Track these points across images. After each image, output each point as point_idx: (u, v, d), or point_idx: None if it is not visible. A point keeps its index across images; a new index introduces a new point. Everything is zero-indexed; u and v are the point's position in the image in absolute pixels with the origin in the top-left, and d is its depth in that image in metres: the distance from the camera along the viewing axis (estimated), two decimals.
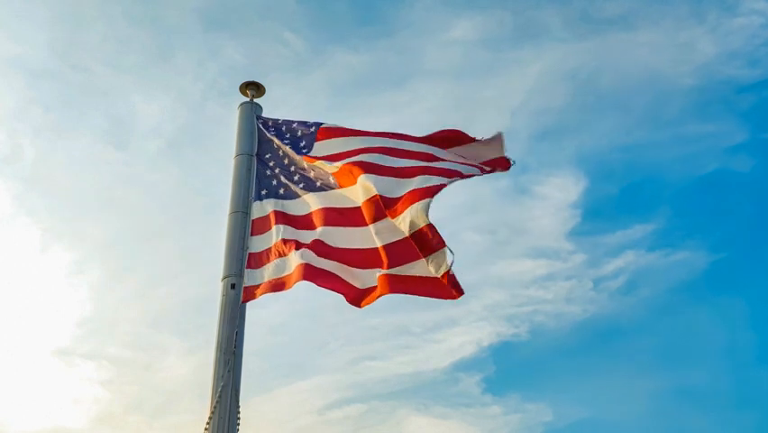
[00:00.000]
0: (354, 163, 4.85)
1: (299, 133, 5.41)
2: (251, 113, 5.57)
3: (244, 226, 5.08)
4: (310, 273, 4.60)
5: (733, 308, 19.88)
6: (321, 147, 5.24)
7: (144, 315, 18.52)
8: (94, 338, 18.48)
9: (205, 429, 4.40)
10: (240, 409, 4.53)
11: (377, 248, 4.65)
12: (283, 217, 5.08)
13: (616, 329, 20.39)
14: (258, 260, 4.91)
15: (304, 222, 5.05)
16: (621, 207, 21.63)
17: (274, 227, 5.04)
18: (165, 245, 18.87)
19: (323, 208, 5.00)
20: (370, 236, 4.71)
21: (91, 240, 19.03)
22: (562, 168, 20.54)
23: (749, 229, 20.63)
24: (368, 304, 4.55)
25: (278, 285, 4.73)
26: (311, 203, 5.10)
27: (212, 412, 4.43)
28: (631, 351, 19.55)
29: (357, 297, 4.57)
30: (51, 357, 18.50)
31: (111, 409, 17.60)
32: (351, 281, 4.63)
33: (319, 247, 4.76)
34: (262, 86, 5.65)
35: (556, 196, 20.16)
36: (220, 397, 4.48)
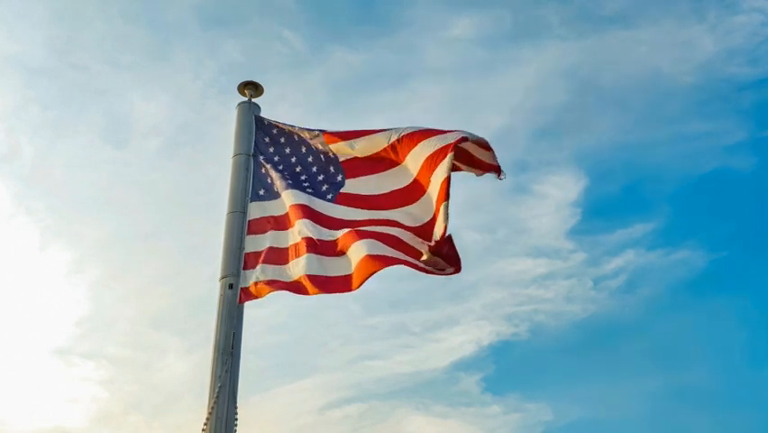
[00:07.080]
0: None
1: (296, 138, 5.49)
2: (250, 113, 5.57)
3: (242, 226, 5.07)
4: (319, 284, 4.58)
5: (733, 307, 19.88)
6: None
7: (143, 314, 18.55)
8: (93, 338, 18.50)
9: (203, 430, 4.40)
10: (237, 410, 4.53)
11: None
12: (280, 220, 5.08)
13: (616, 329, 20.40)
14: (254, 260, 4.90)
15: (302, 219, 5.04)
16: (621, 205, 21.65)
17: (271, 231, 5.03)
18: (164, 244, 18.88)
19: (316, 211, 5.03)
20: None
21: (90, 239, 19.03)
22: (561, 166, 20.55)
23: (749, 228, 20.65)
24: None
25: (292, 287, 4.71)
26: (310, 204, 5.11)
27: (209, 413, 4.43)
28: (631, 350, 19.56)
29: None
30: (50, 357, 18.53)
31: (110, 409, 17.63)
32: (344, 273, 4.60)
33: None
34: (261, 85, 5.63)
35: (556, 194, 20.16)
36: (218, 397, 4.48)
